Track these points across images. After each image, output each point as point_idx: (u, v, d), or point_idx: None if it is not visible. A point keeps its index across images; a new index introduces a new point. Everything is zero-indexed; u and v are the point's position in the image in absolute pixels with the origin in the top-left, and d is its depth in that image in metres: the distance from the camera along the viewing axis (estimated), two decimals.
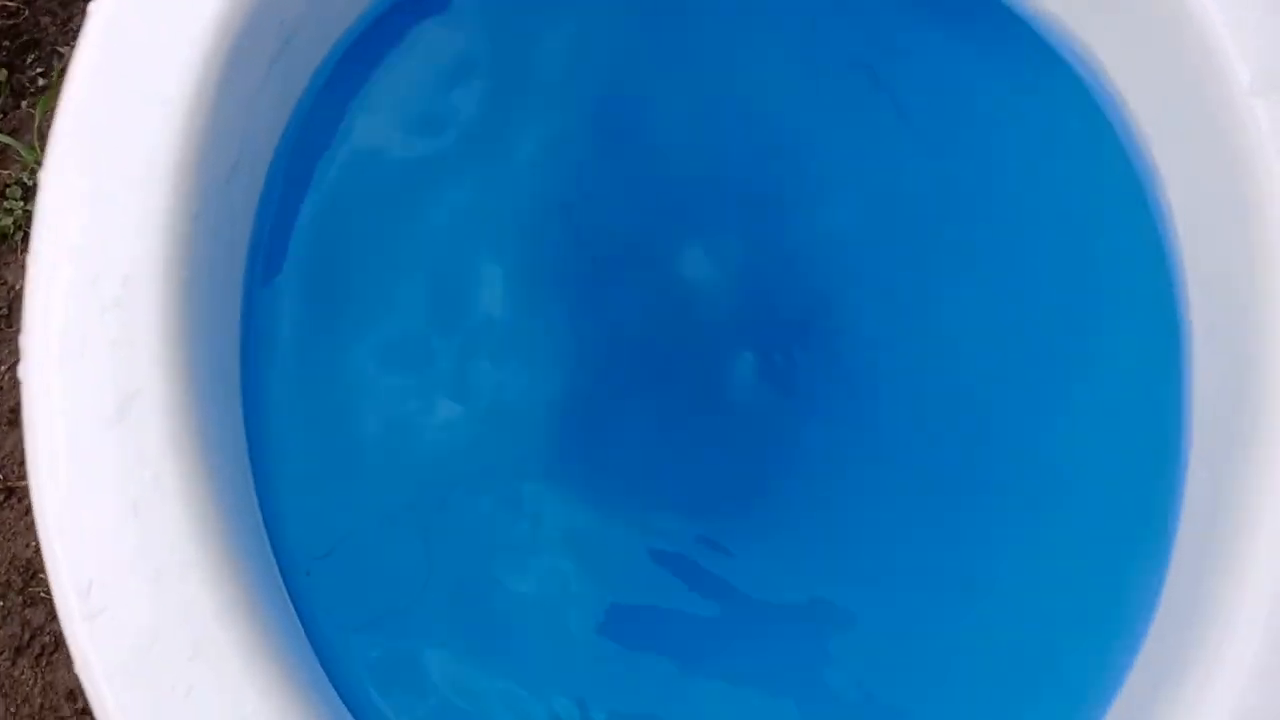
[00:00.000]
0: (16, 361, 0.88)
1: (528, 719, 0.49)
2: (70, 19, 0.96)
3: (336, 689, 0.40)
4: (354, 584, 0.47)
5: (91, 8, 0.42)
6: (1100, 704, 0.49)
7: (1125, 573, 0.51)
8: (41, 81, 0.94)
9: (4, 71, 0.93)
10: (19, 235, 0.91)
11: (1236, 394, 0.45)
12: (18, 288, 0.90)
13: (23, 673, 0.85)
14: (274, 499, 0.44)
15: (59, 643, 0.85)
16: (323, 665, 0.40)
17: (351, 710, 0.40)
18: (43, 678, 0.85)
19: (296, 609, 0.40)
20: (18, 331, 0.88)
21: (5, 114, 0.94)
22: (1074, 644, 0.52)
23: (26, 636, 0.85)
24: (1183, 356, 0.51)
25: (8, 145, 0.91)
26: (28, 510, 0.87)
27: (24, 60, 0.95)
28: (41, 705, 0.85)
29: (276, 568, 0.40)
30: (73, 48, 0.91)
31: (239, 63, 0.41)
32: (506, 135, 0.56)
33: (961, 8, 0.58)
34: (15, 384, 0.88)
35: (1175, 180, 0.52)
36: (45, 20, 0.96)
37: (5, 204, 0.91)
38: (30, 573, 0.86)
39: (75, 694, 0.84)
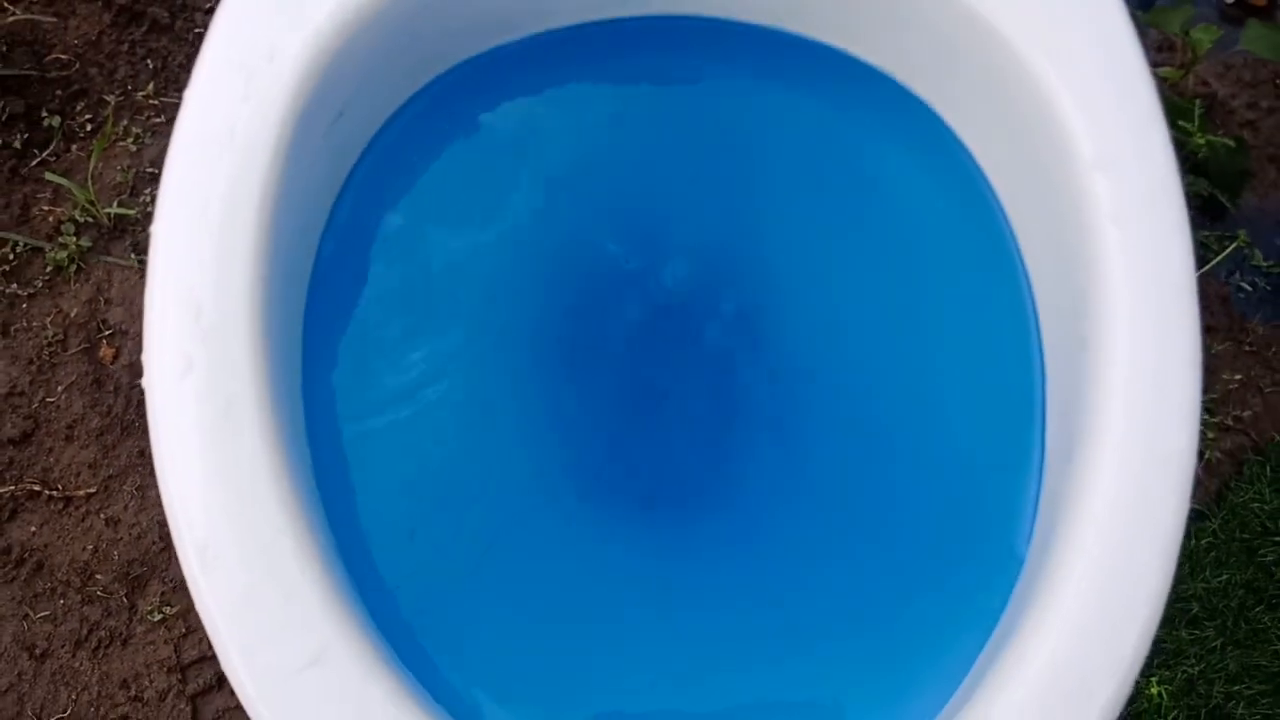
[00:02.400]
0: (72, 382, 0.97)
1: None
2: (115, 70, 1.05)
3: (386, 632, 0.49)
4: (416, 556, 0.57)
5: (186, 94, 0.52)
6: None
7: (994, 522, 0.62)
8: (90, 127, 1.03)
9: (57, 118, 1.02)
10: (72, 268, 0.99)
11: (1074, 383, 0.55)
12: (71, 315, 0.99)
13: (81, 664, 0.93)
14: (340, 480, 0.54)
15: (113, 637, 0.93)
16: (381, 613, 0.49)
17: (398, 645, 0.49)
18: (99, 669, 0.92)
19: (361, 565, 0.50)
20: (73, 355, 0.97)
21: (58, 157, 1.02)
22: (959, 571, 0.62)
23: (84, 631, 0.93)
24: (1037, 353, 0.61)
25: (61, 185, 1.00)
26: (84, 517, 0.95)
27: (74, 108, 1.04)
28: (99, 694, 0.92)
29: (329, 535, 0.50)
30: (118, 96, 1.00)
31: (303, 138, 0.51)
32: (530, 197, 0.66)
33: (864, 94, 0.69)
34: (71, 403, 0.97)
35: (1029, 232, 0.62)
36: (93, 71, 1.05)
37: (60, 239, 0.99)
38: (87, 573, 0.94)
39: (129, 683, 0.92)
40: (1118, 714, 0.45)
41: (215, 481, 0.44)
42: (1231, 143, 1.08)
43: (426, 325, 0.64)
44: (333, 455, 0.56)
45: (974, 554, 0.63)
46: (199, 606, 0.43)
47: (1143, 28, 1.07)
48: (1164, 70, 1.13)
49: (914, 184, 0.69)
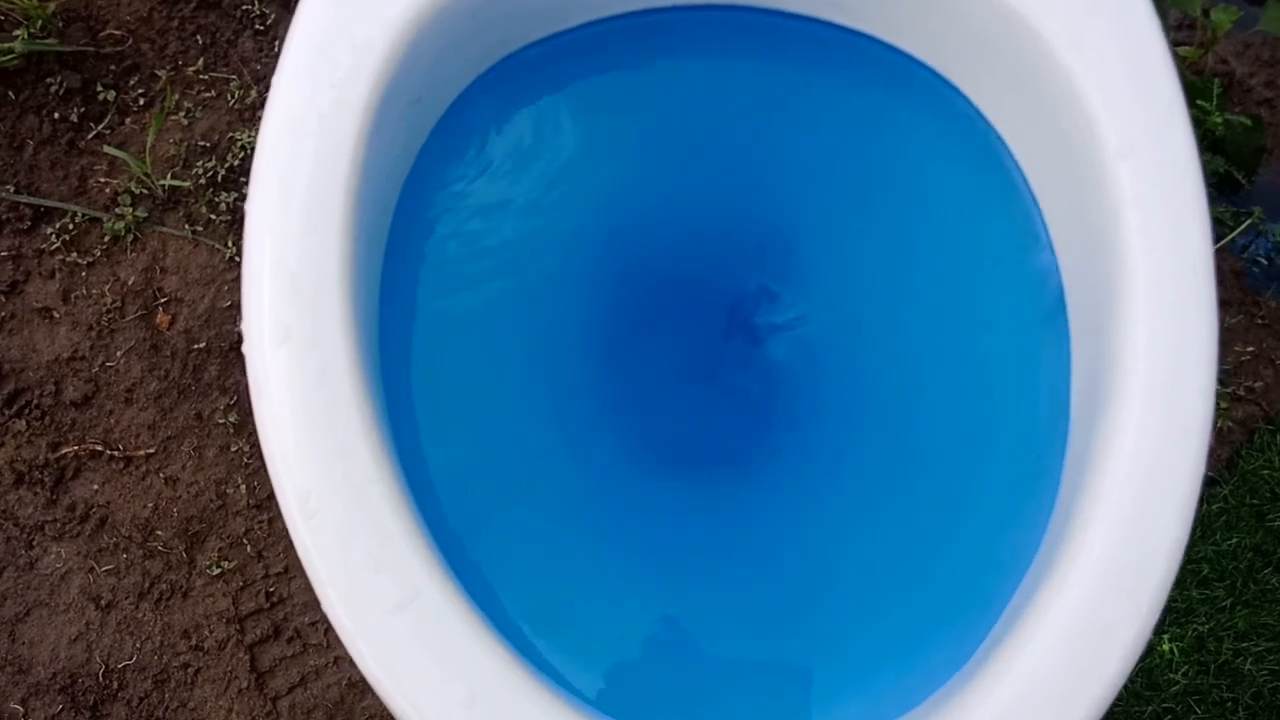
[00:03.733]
0: (130, 348, 1.02)
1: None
2: (166, 45, 1.08)
3: (460, 574, 0.54)
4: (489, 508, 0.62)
5: (275, 80, 0.55)
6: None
7: (1019, 511, 0.66)
8: (143, 100, 1.07)
9: (112, 93, 1.06)
10: (129, 237, 1.04)
11: (1097, 374, 0.59)
12: (129, 283, 1.03)
13: (144, 615, 0.98)
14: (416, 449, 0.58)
15: (174, 590, 0.98)
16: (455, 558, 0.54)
17: (477, 590, 0.54)
18: (161, 619, 0.98)
19: (443, 521, 0.54)
20: (131, 321, 1.02)
21: (113, 130, 1.06)
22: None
23: (147, 584, 0.98)
24: (1068, 348, 0.65)
25: (117, 157, 1.04)
26: (144, 476, 1.00)
27: (128, 82, 1.07)
28: (161, 643, 0.97)
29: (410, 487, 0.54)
30: (169, 70, 1.04)
31: (383, 122, 0.55)
32: (578, 183, 0.70)
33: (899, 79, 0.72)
34: (130, 367, 1.01)
35: (1057, 217, 0.66)
36: (145, 47, 1.08)
37: (118, 209, 1.03)
38: (149, 529, 0.99)
39: (189, 633, 0.97)
40: (1136, 658, 0.49)
41: (313, 437, 0.49)
42: (1248, 121, 1.11)
43: (487, 296, 0.68)
44: (406, 415, 0.61)
45: (1000, 516, 0.67)
46: (300, 552, 0.48)
47: (1164, 7, 1.10)
48: (1183, 50, 1.16)
49: (943, 166, 0.73)
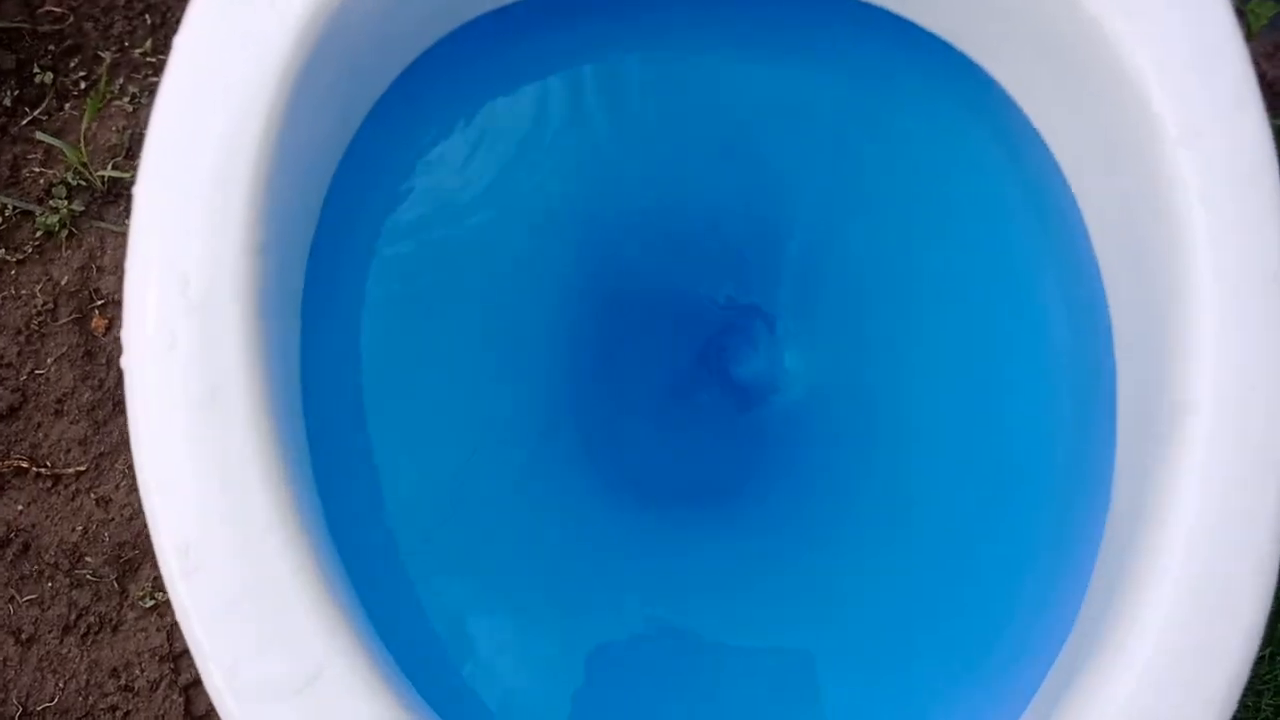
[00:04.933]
0: (63, 354, 0.92)
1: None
2: (111, 25, 0.99)
3: (389, 641, 0.44)
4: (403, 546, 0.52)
5: (176, 41, 0.46)
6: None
7: (1063, 546, 0.56)
8: (84, 85, 0.98)
9: (50, 75, 0.97)
10: (64, 233, 0.94)
11: (1154, 399, 0.50)
12: (62, 283, 0.94)
13: (69, 650, 0.89)
14: (331, 478, 0.49)
15: (103, 623, 0.89)
16: (382, 616, 0.44)
17: (407, 654, 0.44)
18: (88, 656, 0.88)
19: (356, 568, 0.45)
20: (64, 325, 0.92)
21: (50, 116, 0.97)
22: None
23: (73, 616, 0.89)
24: (1113, 359, 0.56)
25: (53, 146, 0.95)
26: (74, 496, 0.91)
27: (68, 64, 0.98)
28: (88, 682, 0.88)
29: (327, 534, 0.45)
30: (114, 52, 0.95)
31: (306, 94, 0.46)
32: (545, 178, 0.61)
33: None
34: (61, 375, 0.92)
35: (1098, 216, 0.56)
36: (88, 26, 0.99)
37: (51, 203, 0.94)
38: (77, 556, 0.89)
39: (118, 672, 0.88)
40: None
41: (198, 474, 0.39)
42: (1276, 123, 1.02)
43: (439, 306, 0.59)
44: (333, 448, 0.51)
45: (1021, 576, 0.58)
46: (179, 616, 0.38)
47: None
48: None
49: (957, 155, 0.63)
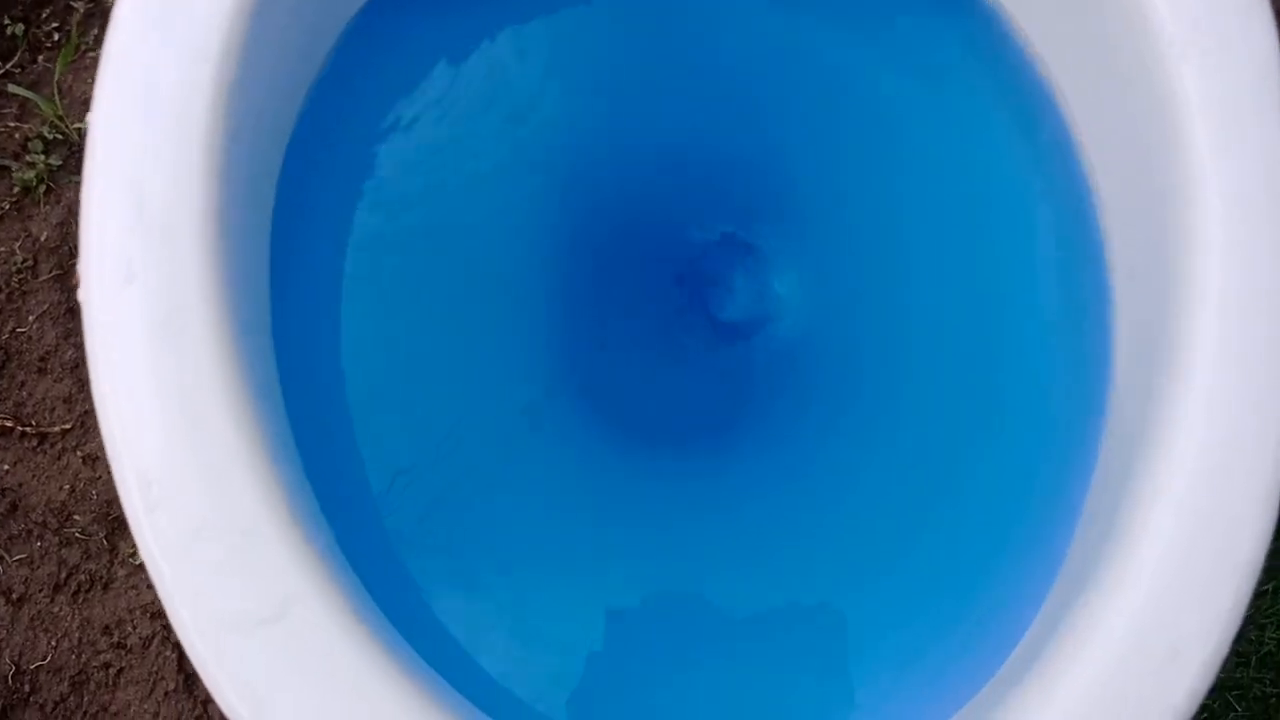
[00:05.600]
0: (44, 311, 0.91)
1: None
2: None
3: (361, 573, 0.43)
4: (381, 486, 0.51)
5: None
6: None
7: (1053, 494, 0.55)
8: (57, 36, 0.95)
9: (21, 26, 0.95)
10: (41, 189, 0.92)
11: (1152, 341, 0.48)
12: (41, 239, 0.92)
13: (60, 609, 0.88)
14: (303, 408, 0.47)
15: (94, 581, 0.88)
16: (350, 550, 0.43)
17: (380, 587, 0.43)
18: (80, 614, 0.87)
19: (328, 504, 0.43)
20: (45, 282, 0.91)
21: (23, 69, 0.95)
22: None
23: (63, 575, 0.88)
24: (1109, 303, 0.54)
25: (28, 99, 0.93)
26: (60, 454, 0.89)
27: (40, 15, 0.96)
28: (80, 640, 0.87)
29: (302, 466, 0.43)
30: (87, 2, 0.93)
31: (267, 8, 0.44)
32: (540, 100, 0.58)
33: None
34: (43, 333, 0.91)
35: (1097, 144, 0.54)
36: None
37: (27, 158, 0.92)
38: (65, 514, 0.88)
39: (110, 629, 0.87)
40: (1208, 688, 0.39)
41: (160, 402, 0.38)
42: None
43: (420, 242, 0.57)
44: (308, 379, 0.50)
45: (1017, 493, 0.57)
46: (143, 553, 0.37)
47: None
48: None
49: (949, 71, 0.61)
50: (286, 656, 0.36)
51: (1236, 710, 0.87)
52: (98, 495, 0.89)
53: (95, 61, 0.95)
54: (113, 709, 0.86)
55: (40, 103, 0.91)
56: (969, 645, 0.55)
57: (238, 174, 0.43)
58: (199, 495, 0.37)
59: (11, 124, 0.94)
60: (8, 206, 0.92)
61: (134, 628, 0.87)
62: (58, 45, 0.95)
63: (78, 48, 0.94)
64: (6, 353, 0.91)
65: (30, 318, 0.91)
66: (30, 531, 0.88)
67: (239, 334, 0.40)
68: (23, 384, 0.91)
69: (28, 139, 0.93)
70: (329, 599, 0.37)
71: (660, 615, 0.57)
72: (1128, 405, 0.52)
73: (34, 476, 0.89)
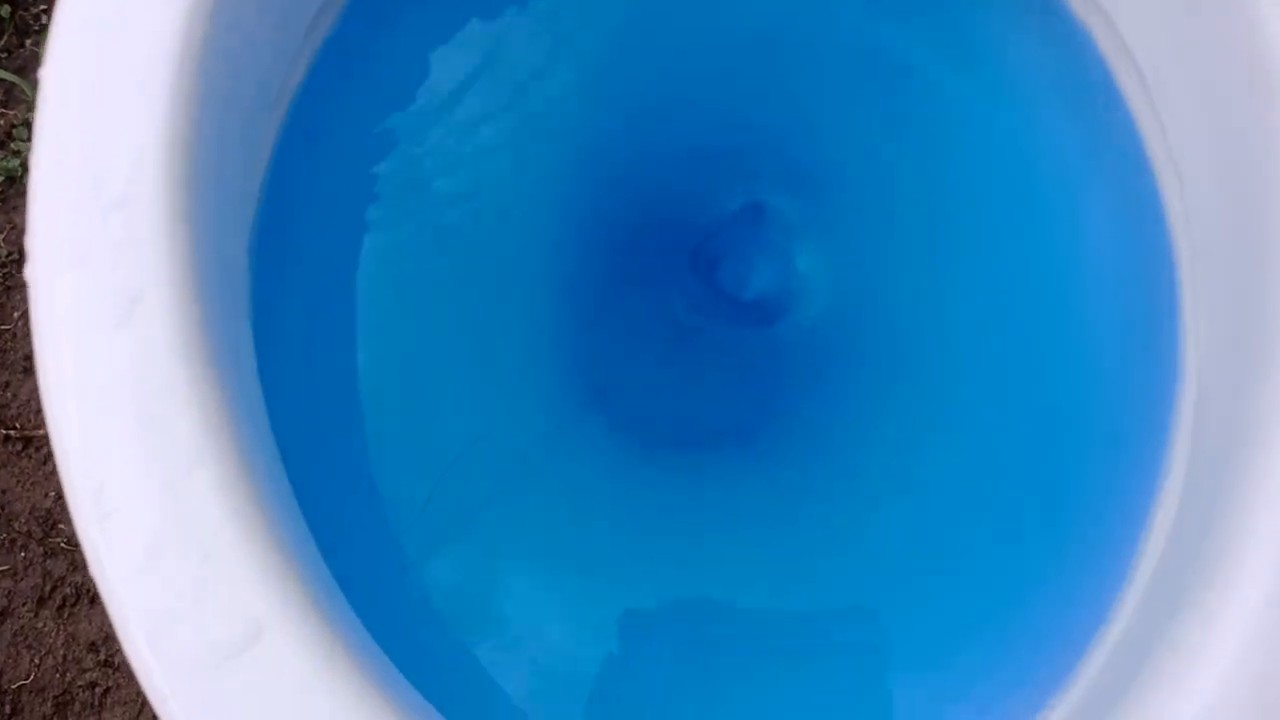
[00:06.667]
0: (29, 308, 0.86)
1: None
2: None
3: (350, 595, 0.38)
4: (365, 500, 0.46)
5: None
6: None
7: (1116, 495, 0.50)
8: (45, 19, 0.91)
9: (7, 8, 0.90)
10: (26, 178, 0.88)
11: (1235, 324, 0.42)
12: None
13: (45, 624, 0.83)
14: (283, 403, 0.42)
15: (80, 594, 0.83)
16: (331, 566, 0.38)
17: (357, 609, 0.38)
18: (65, 629, 0.83)
19: (307, 516, 0.38)
20: None
21: (10, 53, 0.90)
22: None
23: (48, 588, 0.83)
24: (1176, 294, 0.49)
25: (14, 84, 0.88)
26: (46, 459, 0.85)
27: None
28: (65, 657, 0.83)
29: (285, 474, 0.38)
30: None
31: None
32: (531, 70, 0.53)
33: None
34: (29, 331, 0.86)
35: (1173, 105, 0.48)
36: None
37: (13, 145, 0.88)
38: (50, 523, 0.84)
39: (97, 646, 0.82)
40: None
41: (115, 399, 0.33)
42: None
43: (416, 227, 0.52)
44: (298, 374, 0.44)
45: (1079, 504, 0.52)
46: (94, 571, 0.32)
47: None
48: None
49: (1000, 42, 0.56)
50: (257, 695, 0.30)
51: None
52: None
53: None
54: None
55: (26, 88, 0.87)
56: (1021, 678, 0.50)
57: (211, 145, 0.38)
58: (156, 505, 0.32)
59: None
60: None
61: (121, 645, 0.82)
62: (45, 29, 0.91)
63: None
64: None
65: (15, 314, 0.87)
66: (13, 541, 0.84)
67: (208, 322, 0.35)
68: (7, 385, 0.86)
69: (13, 126, 0.89)
70: (309, 624, 0.31)
71: (688, 632, 0.52)
72: (1209, 407, 0.47)
73: (18, 483, 0.85)
